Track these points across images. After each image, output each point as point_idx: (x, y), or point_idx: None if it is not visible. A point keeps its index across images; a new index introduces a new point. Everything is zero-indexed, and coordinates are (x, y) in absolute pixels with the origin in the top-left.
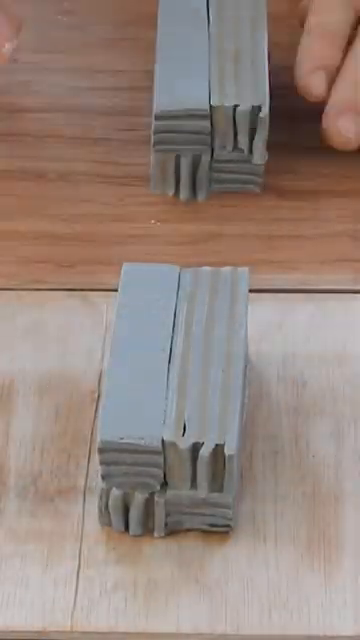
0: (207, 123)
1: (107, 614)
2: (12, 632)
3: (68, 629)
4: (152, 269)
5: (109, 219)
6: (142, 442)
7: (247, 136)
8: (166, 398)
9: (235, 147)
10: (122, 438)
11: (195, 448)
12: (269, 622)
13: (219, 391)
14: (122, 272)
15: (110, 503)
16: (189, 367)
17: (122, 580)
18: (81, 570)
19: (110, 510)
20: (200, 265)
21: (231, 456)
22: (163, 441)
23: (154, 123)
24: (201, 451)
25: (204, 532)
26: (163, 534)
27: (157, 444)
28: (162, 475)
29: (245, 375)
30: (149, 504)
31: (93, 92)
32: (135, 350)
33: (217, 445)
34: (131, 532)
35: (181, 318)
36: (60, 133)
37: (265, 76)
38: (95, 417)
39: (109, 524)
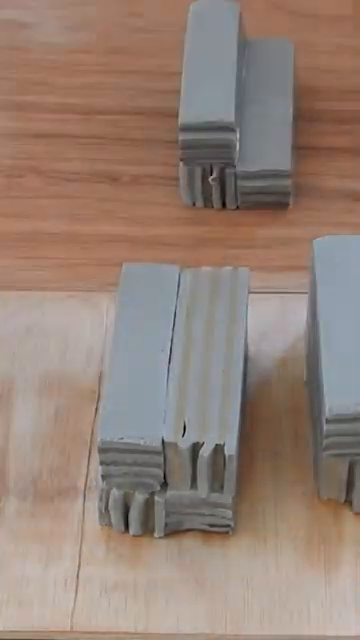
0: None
1: (107, 614)
2: (12, 632)
3: (68, 629)
4: (152, 269)
5: (110, 220)
6: (142, 442)
7: None
8: (166, 398)
9: None
10: (122, 438)
11: (195, 448)
12: (269, 622)
13: (219, 391)
14: (122, 272)
15: (110, 503)
16: (189, 367)
17: (122, 580)
18: (81, 570)
19: (110, 510)
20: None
21: (231, 456)
22: (163, 441)
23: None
24: (201, 451)
25: (204, 532)
26: (163, 534)
27: (157, 444)
28: (162, 475)
29: (245, 375)
30: (149, 504)
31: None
32: (135, 350)
33: (217, 445)
34: (131, 532)
35: (181, 318)
36: (57, 132)
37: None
38: (95, 417)
39: (109, 524)
